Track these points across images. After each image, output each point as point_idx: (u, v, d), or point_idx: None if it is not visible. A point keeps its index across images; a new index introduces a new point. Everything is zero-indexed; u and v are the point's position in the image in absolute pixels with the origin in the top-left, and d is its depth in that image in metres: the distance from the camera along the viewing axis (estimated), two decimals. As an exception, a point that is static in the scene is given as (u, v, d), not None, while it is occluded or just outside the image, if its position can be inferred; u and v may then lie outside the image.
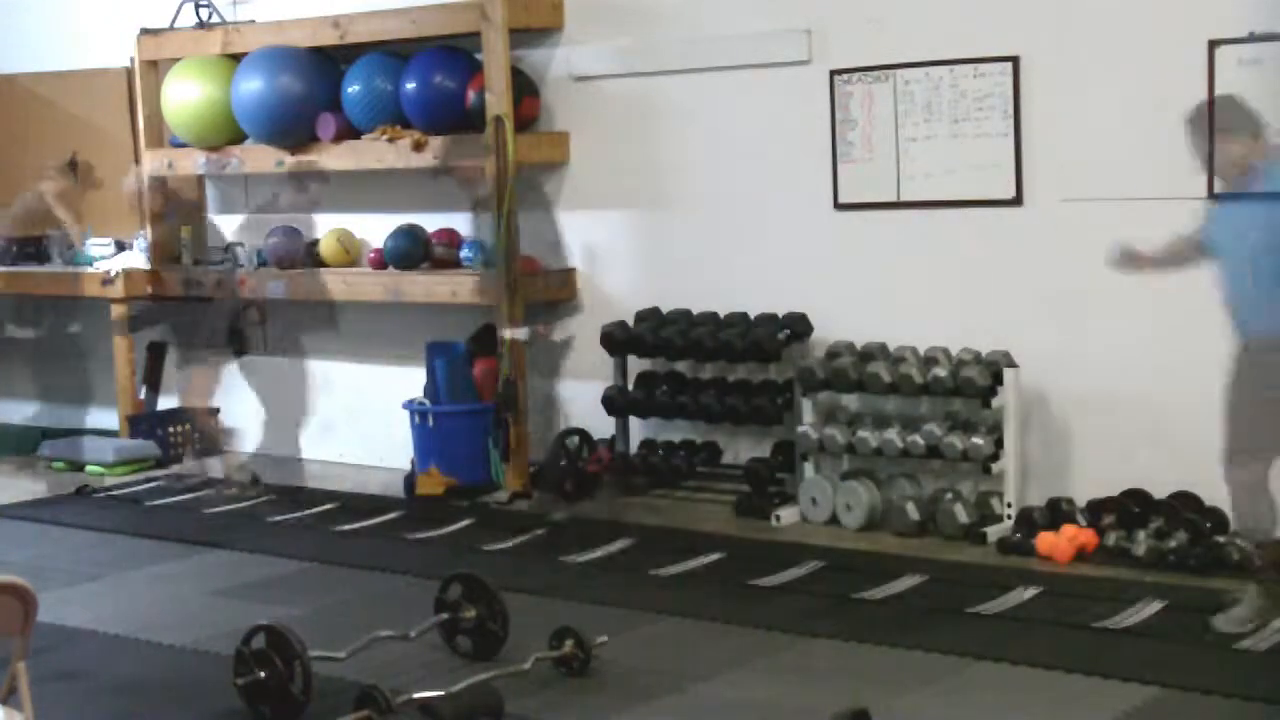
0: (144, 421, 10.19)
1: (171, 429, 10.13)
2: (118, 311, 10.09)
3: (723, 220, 8.34)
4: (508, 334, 8.48)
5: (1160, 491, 7.08)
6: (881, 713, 4.88)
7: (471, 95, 8.68)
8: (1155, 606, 6.18)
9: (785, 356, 7.97)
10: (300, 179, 9.35)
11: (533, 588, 6.69)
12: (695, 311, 8.41)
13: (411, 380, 9.06)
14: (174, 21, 10.00)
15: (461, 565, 6.36)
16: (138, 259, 10.24)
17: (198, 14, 9.94)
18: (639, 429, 8.65)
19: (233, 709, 5.38)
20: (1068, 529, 7.01)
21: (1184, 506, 6.96)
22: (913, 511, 7.49)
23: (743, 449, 8.35)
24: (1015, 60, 7.40)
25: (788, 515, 7.81)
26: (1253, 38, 6.75)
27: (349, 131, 9.16)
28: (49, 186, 8.92)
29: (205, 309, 9.84)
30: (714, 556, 7.21)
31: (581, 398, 8.84)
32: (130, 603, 6.96)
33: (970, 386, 7.33)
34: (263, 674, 5.26)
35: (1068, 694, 5.35)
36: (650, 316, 8.49)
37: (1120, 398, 7.25)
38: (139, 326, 10.21)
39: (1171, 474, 7.07)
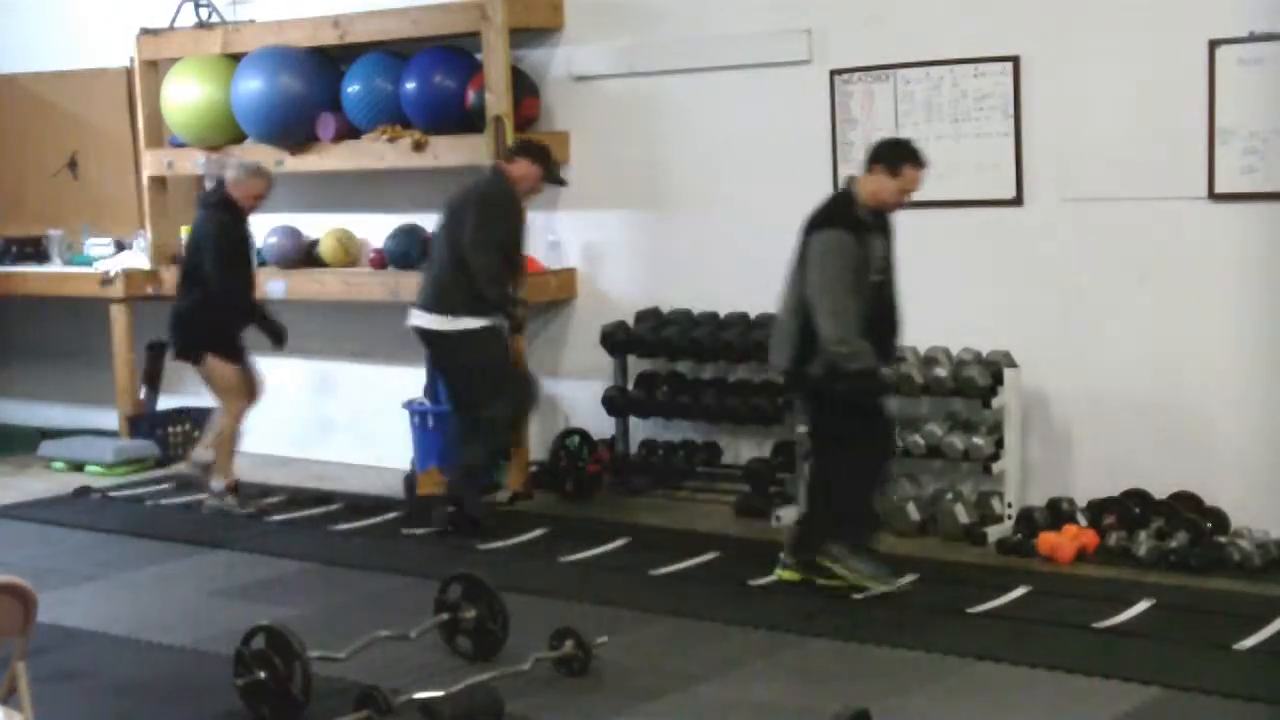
0: (144, 421, 10.19)
1: (171, 429, 10.13)
2: (117, 311, 10.09)
3: (723, 220, 8.33)
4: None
5: (1161, 491, 7.08)
6: (881, 713, 4.87)
7: (471, 95, 8.68)
8: (1156, 607, 6.17)
9: (785, 356, 7.97)
10: None
11: (533, 588, 6.69)
12: (695, 311, 8.41)
13: (411, 380, 9.06)
14: (174, 21, 10.00)
15: (461, 565, 6.36)
16: (138, 259, 10.24)
17: (197, 14, 9.94)
18: (639, 429, 8.65)
19: (233, 709, 5.38)
20: (1068, 529, 7.00)
21: (1185, 507, 6.97)
22: (913, 511, 7.49)
23: (743, 449, 8.34)
24: (1015, 60, 7.39)
25: (788, 515, 7.80)
26: (1253, 38, 6.75)
27: (349, 131, 9.16)
28: (513, 168, 7.73)
29: None
30: (713, 556, 7.21)
31: (581, 398, 8.84)
32: (130, 603, 6.96)
33: (970, 386, 7.33)
34: (262, 674, 5.26)
35: (1068, 694, 5.35)
36: (650, 316, 8.49)
37: (1121, 398, 7.25)
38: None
39: (1172, 474, 7.07)
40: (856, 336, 6.33)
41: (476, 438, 7.82)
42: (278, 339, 8.62)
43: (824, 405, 6.61)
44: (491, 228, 7.63)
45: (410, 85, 8.84)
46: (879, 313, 6.53)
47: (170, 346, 8.80)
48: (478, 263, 7.58)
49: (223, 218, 8.39)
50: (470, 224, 7.61)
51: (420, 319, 7.83)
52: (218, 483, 8.59)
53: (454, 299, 7.67)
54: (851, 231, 6.42)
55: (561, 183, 8.09)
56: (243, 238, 8.51)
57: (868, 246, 6.46)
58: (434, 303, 7.77)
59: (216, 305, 8.39)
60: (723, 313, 8.29)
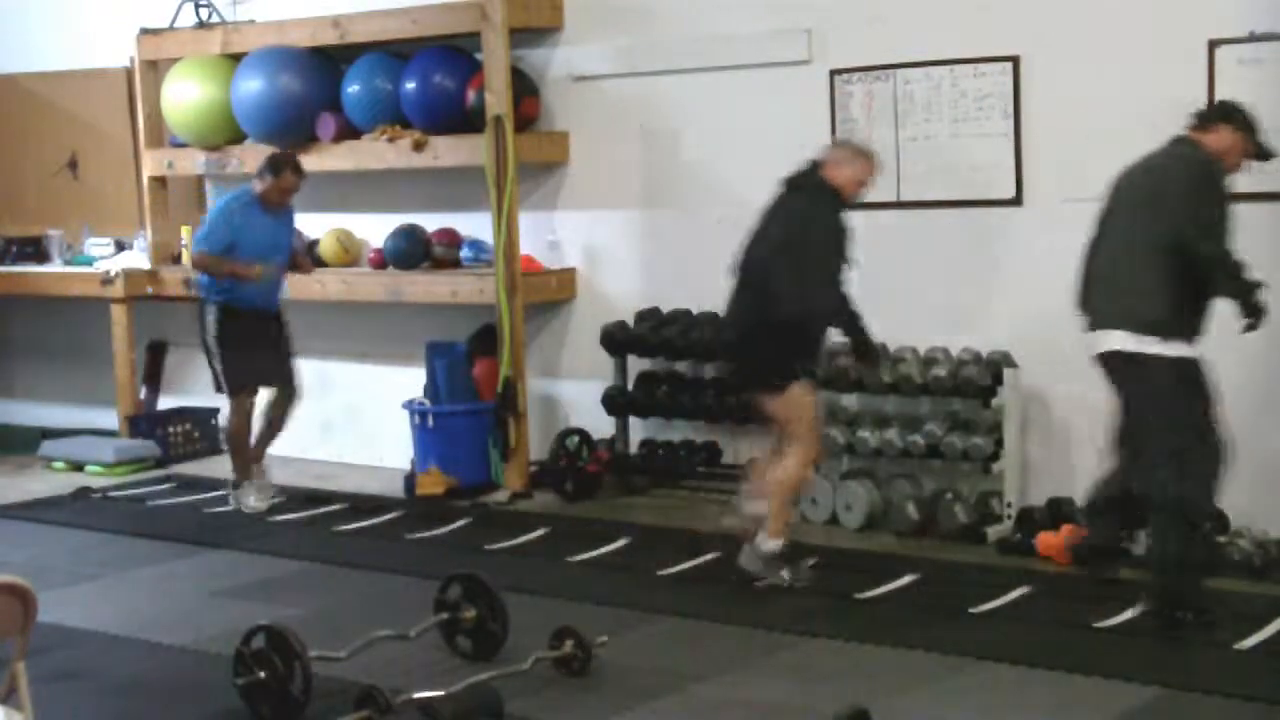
0: (144, 421, 10.19)
1: (171, 429, 10.13)
2: (118, 311, 10.08)
3: (723, 220, 8.32)
4: None
5: (1160, 491, 7.07)
6: (881, 713, 4.88)
7: (471, 95, 8.68)
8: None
9: (785, 356, 7.96)
10: None
11: (533, 588, 6.69)
12: (695, 311, 8.41)
13: (411, 380, 9.07)
14: (174, 21, 10.00)
15: (461, 565, 6.36)
16: (138, 259, 10.24)
17: (198, 14, 9.94)
18: (639, 429, 8.65)
19: (233, 709, 5.38)
20: (1068, 529, 7.00)
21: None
22: (913, 511, 7.49)
23: (743, 449, 8.34)
24: (1015, 60, 7.40)
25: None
26: (1253, 38, 6.76)
27: (349, 131, 9.17)
28: None
29: None
30: (713, 556, 7.21)
31: (581, 398, 8.84)
32: (130, 603, 6.96)
33: (970, 386, 7.33)
34: (262, 674, 5.26)
35: (1068, 694, 5.35)
36: (650, 316, 8.49)
37: (1120, 398, 7.24)
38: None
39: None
40: None
41: (1184, 490, 5.94)
42: (871, 358, 7.04)
43: None
44: (1211, 211, 5.96)
45: (410, 85, 8.84)
46: None
47: (740, 376, 7.12)
48: (1208, 252, 5.89)
49: (824, 207, 6.67)
50: (1182, 209, 5.95)
51: (1120, 341, 6.01)
52: (770, 543, 6.71)
53: (1157, 310, 5.94)
54: None
55: (1270, 156, 6.24)
56: (844, 237, 6.68)
57: None
58: (1134, 318, 5.98)
59: (804, 317, 6.65)
60: (723, 313, 8.27)
